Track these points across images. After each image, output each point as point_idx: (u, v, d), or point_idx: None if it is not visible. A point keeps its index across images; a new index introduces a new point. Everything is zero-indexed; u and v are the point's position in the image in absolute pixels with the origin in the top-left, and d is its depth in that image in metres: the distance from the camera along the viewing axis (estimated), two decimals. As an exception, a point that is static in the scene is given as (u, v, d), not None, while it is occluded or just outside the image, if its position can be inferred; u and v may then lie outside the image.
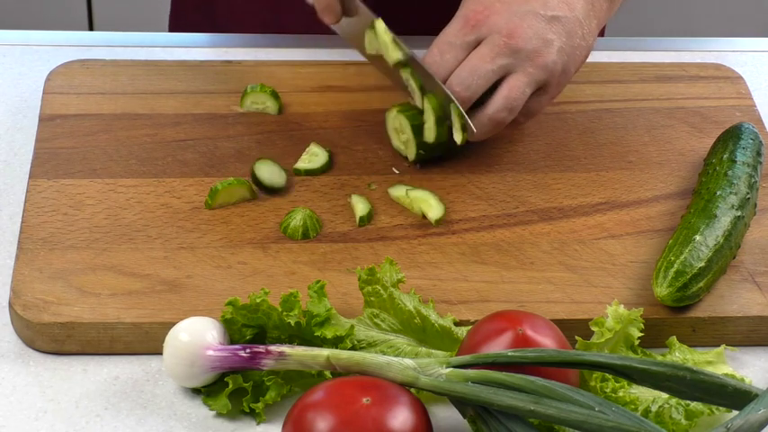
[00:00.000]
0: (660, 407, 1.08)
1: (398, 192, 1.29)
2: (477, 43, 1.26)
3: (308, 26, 1.50)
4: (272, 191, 1.28)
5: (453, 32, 1.27)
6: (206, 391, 1.10)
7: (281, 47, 1.49)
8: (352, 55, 1.46)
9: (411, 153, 1.32)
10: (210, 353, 1.08)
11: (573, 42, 1.27)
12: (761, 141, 1.32)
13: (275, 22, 1.60)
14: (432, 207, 1.26)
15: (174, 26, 1.74)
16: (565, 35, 1.26)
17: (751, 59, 1.54)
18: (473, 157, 1.34)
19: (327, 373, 1.08)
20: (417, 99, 1.30)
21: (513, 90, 1.25)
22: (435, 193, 1.28)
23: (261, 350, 1.07)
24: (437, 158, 1.33)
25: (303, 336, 1.11)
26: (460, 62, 1.26)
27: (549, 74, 1.26)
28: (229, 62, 1.45)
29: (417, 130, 1.30)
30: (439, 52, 1.27)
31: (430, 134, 1.30)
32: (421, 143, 1.30)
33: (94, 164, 1.30)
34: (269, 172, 1.28)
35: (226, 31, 1.56)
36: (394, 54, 1.29)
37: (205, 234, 1.23)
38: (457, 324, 1.14)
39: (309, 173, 1.31)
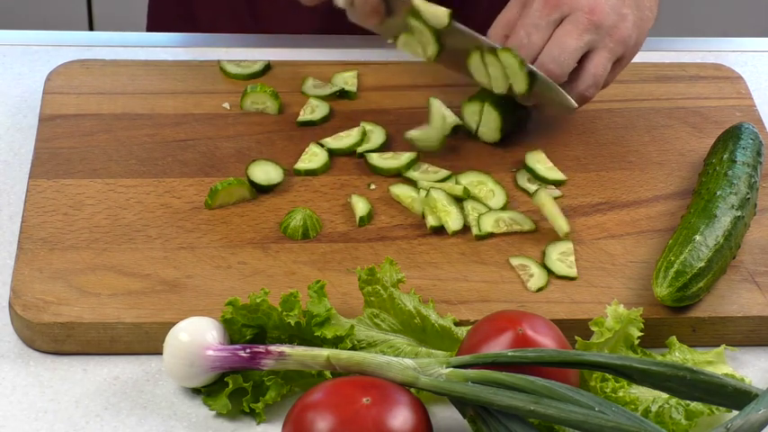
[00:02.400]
0: (660, 407, 1.08)
1: (400, 190, 1.28)
2: (560, 21, 1.29)
3: (284, 25, 1.51)
4: (270, 189, 1.28)
5: (537, 14, 1.29)
6: (206, 391, 1.10)
7: (281, 47, 1.49)
8: (352, 55, 1.46)
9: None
10: (210, 353, 1.08)
11: (642, 15, 1.31)
12: (761, 141, 1.32)
13: (255, 24, 1.60)
14: (452, 216, 1.26)
15: (152, 26, 1.72)
16: (635, 8, 1.30)
17: (751, 59, 1.54)
18: (473, 158, 1.34)
19: (327, 373, 1.08)
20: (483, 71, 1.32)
21: (599, 67, 1.29)
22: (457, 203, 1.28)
23: (261, 350, 1.07)
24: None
25: (303, 336, 1.11)
26: (545, 42, 1.29)
27: (625, 47, 1.30)
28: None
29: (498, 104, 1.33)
30: (526, 34, 1.29)
31: (522, 84, 1.30)
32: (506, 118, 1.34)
33: (94, 164, 1.30)
34: (264, 172, 1.28)
35: (205, 32, 1.57)
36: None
37: (205, 234, 1.23)
38: (457, 324, 1.14)
39: (309, 173, 1.31)
